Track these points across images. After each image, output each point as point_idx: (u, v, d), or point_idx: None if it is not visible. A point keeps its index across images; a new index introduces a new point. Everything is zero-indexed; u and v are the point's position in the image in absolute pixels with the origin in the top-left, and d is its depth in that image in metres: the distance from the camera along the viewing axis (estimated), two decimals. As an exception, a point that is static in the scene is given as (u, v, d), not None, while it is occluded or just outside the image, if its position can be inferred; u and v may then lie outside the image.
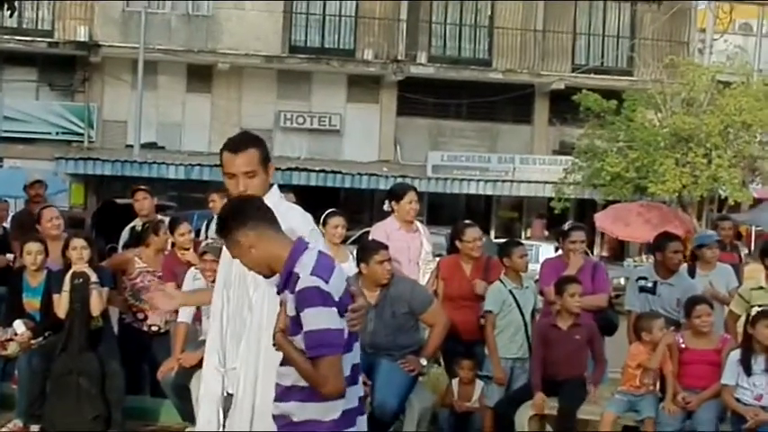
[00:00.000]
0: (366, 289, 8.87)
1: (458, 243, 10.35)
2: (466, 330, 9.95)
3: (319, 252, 5.03)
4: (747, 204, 30.97)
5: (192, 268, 10.02)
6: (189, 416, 9.14)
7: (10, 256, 11.75)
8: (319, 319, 4.81)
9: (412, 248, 10.41)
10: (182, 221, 11.17)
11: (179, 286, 10.40)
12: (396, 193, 10.67)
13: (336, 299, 4.87)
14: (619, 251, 35.94)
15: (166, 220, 11.53)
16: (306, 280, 4.85)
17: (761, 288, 10.39)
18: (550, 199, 33.23)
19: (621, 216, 28.33)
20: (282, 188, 5.82)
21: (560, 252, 10.95)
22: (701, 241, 11.93)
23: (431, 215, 32.60)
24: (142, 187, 12.19)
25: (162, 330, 10.74)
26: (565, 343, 9.49)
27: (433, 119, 37.70)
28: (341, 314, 4.90)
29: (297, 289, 4.85)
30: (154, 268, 10.77)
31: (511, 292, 9.96)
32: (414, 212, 10.55)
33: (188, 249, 10.65)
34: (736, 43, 33.60)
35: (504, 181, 36.19)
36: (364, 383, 6.00)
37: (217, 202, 11.23)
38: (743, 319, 10.09)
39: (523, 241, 15.60)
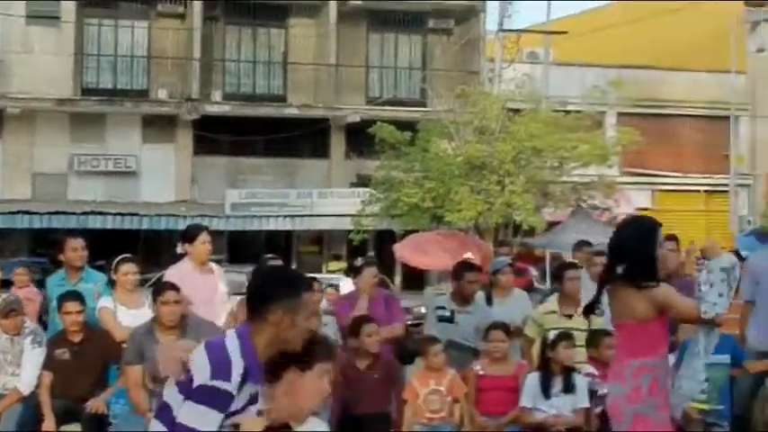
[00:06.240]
0: (160, 333, 8.85)
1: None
2: None
3: None
4: (542, 228, 31.58)
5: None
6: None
7: None
8: None
9: (207, 289, 10.24)
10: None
11: None
12: (188, 235, 10.51)
13: None
14: (418, 280, 36.25)
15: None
16: None
17: (553, 312, 10.60)
18: (350, 231, 33.38)
19: (420, 245, 28.54)
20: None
21: (354, 287, 11.03)
22: (496, 267, 12.12)
23: (232, 253, 32.40)
24: None
25: None
26: (363, 381, 9.40)
27: (230, 156, 37.37)
28: None
29: None
30: None
31: None
32: (207, 253, 10.42)
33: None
34: (523, 71, 34.30)
35: (303, 216, 36.17)
36: None
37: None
38: (537, 343, 10.28)
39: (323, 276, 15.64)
